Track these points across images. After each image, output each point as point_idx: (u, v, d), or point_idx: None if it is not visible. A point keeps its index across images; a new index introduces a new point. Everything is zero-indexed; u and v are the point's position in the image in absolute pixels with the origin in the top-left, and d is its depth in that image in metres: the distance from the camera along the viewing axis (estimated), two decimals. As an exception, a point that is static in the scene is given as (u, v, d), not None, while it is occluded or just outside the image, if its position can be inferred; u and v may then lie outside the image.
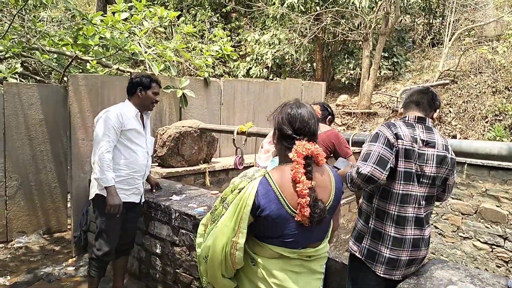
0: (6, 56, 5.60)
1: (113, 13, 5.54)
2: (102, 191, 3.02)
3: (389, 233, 2.09)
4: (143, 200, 3.38)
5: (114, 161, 3.03)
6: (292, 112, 1.73)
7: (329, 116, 3.41)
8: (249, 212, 1.64)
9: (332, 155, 3.21)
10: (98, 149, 2.96)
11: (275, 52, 11.21)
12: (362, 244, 2.18)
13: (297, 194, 1.63)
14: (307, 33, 11.02)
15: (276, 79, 8.83)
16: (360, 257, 2.17)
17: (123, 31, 5.32)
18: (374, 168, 1.98)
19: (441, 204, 6.35)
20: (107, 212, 2.97)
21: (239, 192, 1.68)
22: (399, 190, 2.08)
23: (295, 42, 11.11)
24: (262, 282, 1.72)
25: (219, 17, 13.61)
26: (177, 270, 3.33)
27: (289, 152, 1.67)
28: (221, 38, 8.13)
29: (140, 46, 5.33)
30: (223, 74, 11.76)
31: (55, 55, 5.78)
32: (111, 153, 2.98)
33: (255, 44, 11.88)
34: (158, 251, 3.51)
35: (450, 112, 9.23)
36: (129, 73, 5.40)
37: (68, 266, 4.16)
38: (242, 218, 1.64)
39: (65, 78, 5.31)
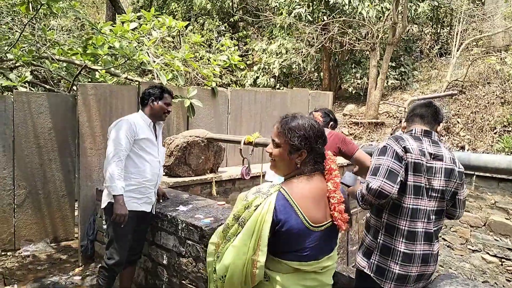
0: (16, 64, 5.67)
1: (122, 22, 5.60)
2: (112, 199, 3.04)
3: (399, 249, 2.07)
4: (154, 210, 3.39)
5: (126, 170, 3.06)
6: (318, 127, 1.81)
7: (331, 122, 3.44)
8: (269, 228, 1.63)
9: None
10: (111, 157, 2.98)
11: (282, 62, 11.24)
12: (371, 260, 2.15)
13: (335, 202, 1.72)
14: (314, 42, 11.05)
15: (283, 89, 8.84)
16: (369, 273, 2.14)
17: (132, 40, 5.37)
18: (384, 182, 1.96)
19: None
20: (113, 221, 2.98)
21: (255, 208, 1.66)
22: (409, 204, 2.07)
23: (302, 52, 11.13)
24: None
25: (227, 26, 13.70)
26: (183, 282, 3.31)
27: (319, 165, 1.78)
28: (229, 47, 8.17)
29: (148, 55, 5.38)
30: (230, 83, 11.80)
31: (65, 64, 5.84)
32: (123, 161, 3.01)
33: (262, 53, 11.92)
34: (164, 261, 3.50)
35: (458, 122, 9.17)
36: (137, 82, 5.44)
37: (75, 275, 4.16)
38: (261, 235, 1.63)
39: (74, 87, 5.36)
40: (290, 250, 1.70)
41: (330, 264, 1.83)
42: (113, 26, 5.41)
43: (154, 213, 3.36)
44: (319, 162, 1.79)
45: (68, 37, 7.03)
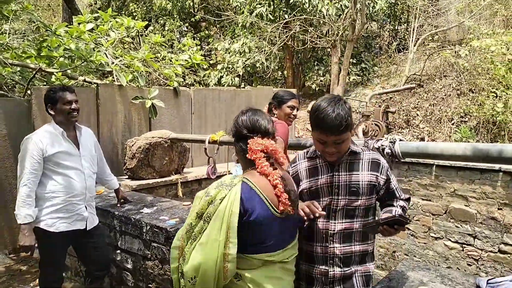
0: (-35, 70, 5.40)
1: (79, 24, 5.43)
2: (38, 223, 2.78)
3: None
4: (95, 223, 3.10)
5: (47, 189, 2.79)
6: (243, 116, 1.85)
7: (273, 104, 3.14)
8: (237, 219, 1.62)
9: None
10: (18, 182, 2.74)
11: (245, 61, 11.25)
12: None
13: (271, 185, 1.70)
14: (276, 41, 11.12)
15: (247, 87, 8.84)
16: None
17: (88, 42, 5.22)
18: None
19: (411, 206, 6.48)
20: (40, 244, 2.78)
21: (221, 202, 1.64)
22: None
23: (265, 50, 11.18)
24: None
25: (188, 27, 13.58)
26: (150, 285, 3.25)
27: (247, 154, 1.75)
28: (191, 47, 8.09)
29: (106, 56, 5.25)
30: (194, 83, 11.70)
31: (18, 68, 5.61)
32: (28, 186, 2.70)
33: (225, 52, 11.89)
34: (129, 266, 3.42)
35: (417, 115, 9.46)
36: (95, 84, 5.29)
37: (35, 286, 3.99)
38: (231, 227, 1.61)
39: (28, 91, 5.15)
40: (257, 241, 1.70)
41: (294, 252, 1.87)
42: (69, 28, 5.24)
43: (88, 228, 3.01)
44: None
45: (22, 40, 6.76)
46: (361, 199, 1.94)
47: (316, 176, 2.01)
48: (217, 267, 1.61)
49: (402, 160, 3.00)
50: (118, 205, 3.62)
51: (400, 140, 2.92)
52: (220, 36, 14.11)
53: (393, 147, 2.87)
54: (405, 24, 14.02)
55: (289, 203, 1.71)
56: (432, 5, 11.83)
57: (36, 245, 2.85)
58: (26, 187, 2.71)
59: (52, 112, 2.87)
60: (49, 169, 2.82)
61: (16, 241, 4.81)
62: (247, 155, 1.75)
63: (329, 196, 1.96)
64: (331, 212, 1.96)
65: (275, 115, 3.12)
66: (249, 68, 11.64)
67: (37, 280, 4.06)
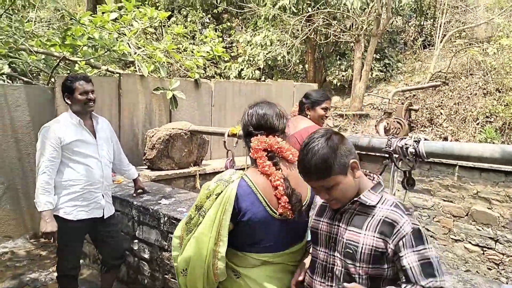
0: (-8, 57, 5.50)
1: (103, 13, 5.46)
2: (56, 211, 2.82)
3: None
4: (111, 212, 3.13)
5: (65, 177, 2.82)
6: (250, 111, 1.77)
7: (306, 104, 3.11)
8: (229, 218, 1.58)
9: None
10: (36, 170, 2.77)
11: (267, 54, 11.17)
12: None
13: (272, 186, 1.61)
14: (299, 34, 10.99)
15: (268, 81, 8.79)
16: None
17: (112, 31, 5.25)
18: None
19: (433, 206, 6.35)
20: (60, 231, 2.79)
21: (216, 197, 1.60)
22: None
23: (287, 43, 11.07)
24: None
25: (211, 18, 13.56)
26: (166, 276, 3.26)
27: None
28: (212, 39, 8.07)
29: (129, 46, 5.27)
30: (215, 75, 11.70)
31: (43, 56, 5.68)
32: (47, 174, 2.74)
33: (247, 45, 11.83)
34: (146, 256, 3.45)
35: (441, 114, 9.25)
36: (117, 74, 5.32)
37: (54, 272, 4.06)
38: (222, 225, 1.58)
39: (52, 79, 5.22)
40: (253, 241, 1.65)
41: (298, 256, 1.78)
42: (93, 17, 5.27)
43: (105, 217, 3.04)
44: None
45: (47, 28, 6.86)
46: (359, 266, 1.47)
47: (321, 217, 1.64)
48: (206, 263, 1.60)
49: (426, 160, 2.93)
50: (135, 195, 3.65)
51: (425, 139, 2.84)
52: (242, 28, 14.05)
53: (418, 146, 2.79)
54: (432, 20, 13.69)
55: (289, 207, 1.62)
56: (460, 1, 11.50)
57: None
58: (45, 174, 2.74)
59: (68, 102, 2.91)
60: (67, 157, 2.85)
61: (37, 226, 4.92)
62: (250, 155, 1.69)
63: (326, 249, 1.59)
64: (327, 272, 1.58)
65: (308, 116, 3.09)
66: (270, 61, 11.56)
67: (55, 266, 4.15)
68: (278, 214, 1.63)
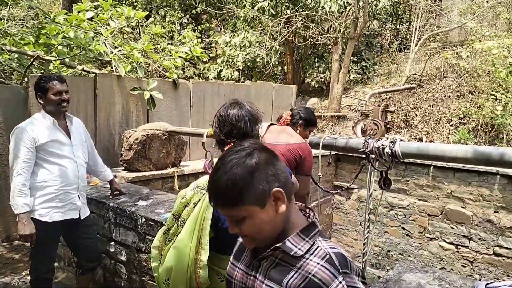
0: (-38, 55, 5.32)
1: (79, 12, 5.36)
2: (31, 213, 2.75)
3: None
4: (87, 213, 3.08)
5: (40, 179, 2.77)
6: (222, 114, 1.70)
7: (300, 121, 3.17)
8: (209, 226, 1.55)
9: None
10: (11, 172, 2.71)
11: (246, 55, 11.18)
12: None
13: None
14: (277, 36, 11.05)
15: (247, 82, 8.79)
16: None
17: (87, 30, 5.15)
18: None
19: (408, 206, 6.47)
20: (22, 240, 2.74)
21: (194, 206, 1.57)
22: None
23: (266, 45, 11.11)
24: None
25: (189, 19, 13.47)
26: (143, 278, 3.22)
27: None
28: (191, 39, 8.02)
29: (106, 46, 5.18)
30: (193, 76, 11.63)
31: (16, 55, 5.53)
32: (23, 176, 2.68)
33: (226, 46, 11.81)
34: (123, 258, 3.39)
35: (416, 115, 9.44)
36: (94, 74, 5.23)
37: (28, 275, 3.95)
38: (203, 233, 1.55)
39: (26, 79, 5.09)
40: (234, 245, 1.62)
41: None
42: (68, 15, 5.17)
43: (81, 218, 3.00)
44: None
45: (21, 27, 6.68)
46: None
47: (238, 261, 1.32)
48: (188, 272, 1.57)
49: (402, 161, 2.98)
50: (111, 196, 3.59)
51: (401, 140, 2.89)
52: (220, 29, 14.02)
53: (394, 147, 2.84)
54: (407, 24, 13.98)
55: None
56: (435, 5, 11.77)
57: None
58: (20, 176, 2.68)
59: (41, 102, 2.85)
60: (41, 158, 2.79)
61: (9, 229, 4.78)
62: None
63: None
64: None
65: (297, 131, 3.14)
66: (249, 63, 11.57)
67: (29, 269, 4.04)
68: None
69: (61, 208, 2.86)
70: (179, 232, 1.59)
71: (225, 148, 1.60)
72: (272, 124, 3.19)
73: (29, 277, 3.88)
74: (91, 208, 3.41)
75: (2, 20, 5.80)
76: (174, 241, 1.60)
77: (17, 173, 2.68)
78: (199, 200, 1.58)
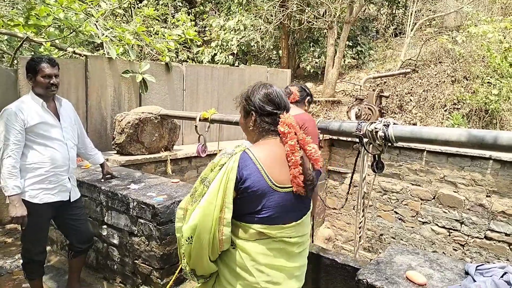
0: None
1: (69, -8, 5.25)
2: (21, 195, 2.73)
3: None
4: (77, 195, 3.08)
5: (30, 160, 2.75)
6: (268, 91, 1.80)
7: (308, 97, 3.30)
8: (233, 186, 1.62)
9: None
10: (0, 154, 2.67)
11: (240, 38, 11.06)
12: None
13: (291, 164, 1.69)
14: (272, 19, 10.93)
15: (241, 66, 8.72)
16: None
17: (78, 12, 5.05)
18: None
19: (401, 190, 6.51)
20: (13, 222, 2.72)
21: (220, 168, 1.65)
22: None
23: (260, 29, 10.99)
24: (241, 267, 1.70)
25: (183, 2, 13.28)
26: (136, 261, 3.22)
27: (272, 128, 1.76)
28: (185, 22, 7.91)
29: (97, 28, 5.09)
30: (187, 60, 11.51)
31: (6, 37, 5.43)
32: (12, 157, 2.66)
33: (220, 29, 11.68)
34: (115, 241, 3.38)
35: (410, 100, 9.43)
36: (85, 57, 5.15)
37: (20, 259, 3.94)
38: (227, 193, 1.62)
39: (15, 61, 5.00)
40: (252, 210, 1.68)
41: (300, 236, 1.78)
42: (58, -4, 5.06)
43: (72, 200, 3.00)
44: (273, 126, 1.78)
45: (12, 8, 6.54)
46: None
47: None
48: (212, 229, 1.63)
49: (395, 145, 2.97)
50: (103, 180, 3.56)
51: (394, 123, 2.87)
52: (215, 12, 13.85)
53: (387, 130, 2.82)
54: (403, 8, 13.87)
55: (302, 185, 1.69)
56: (431, -11, 11.68)
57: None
58: (10, 158, 2.65)
59: (31, 83, 2.82)
60: (31, 140, 2.76)
61: (1, 212, 4.76)
62: (271, 128, 1.76)
63: None
64: None
65: (304, 107, 3.27)
66: (243, 47, 11.46)
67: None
68: (277, 185, 1.68)
69: (51, 190, 2.84)
70: (205, 193, 1.65)
71: (282, 117, 1.75)
72: None
73: (21, 261, 3.88)
74: (82, 191, 3.39)
75: (-9, 1, 5.68)
76: (200, 201, 1.66)
77: (7, 155, 2.65)
78: (225, 163, 1.65)
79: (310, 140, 1.79)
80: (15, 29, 5.12)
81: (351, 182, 3.55)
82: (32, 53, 5.46)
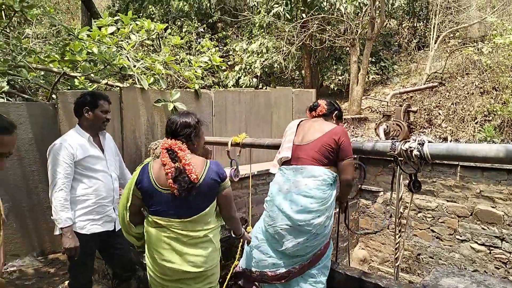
0: (-9, 75, 5.51)
1: (99, 27, 5.48)
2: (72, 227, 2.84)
3: None
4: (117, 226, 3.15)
5: (78, 193, 2.87)
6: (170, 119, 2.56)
7: (336, 111, 3.26)
8: (134, 185, 2.43)
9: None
10: (51, 188, 2.80)
11: (263, 61, 11.22)
12: None
13: (166, 173, 2.33)
14: (294, 40, 11.06)
15: (265, 88, 8.82)
16: None
17: (110, 45, 5.26)
18: None
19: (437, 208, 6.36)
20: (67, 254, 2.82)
21: (133, 174, 2.52)
22: None
23: (283, 50, 11.13)
24: (148, 245, 2.49)
25: (206, 28, 13.61)
26: (176, 288, 3.25)
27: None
28: (209, 48, 8.09)
29: (128, 59, 5.28)
30: (212, 84, 11.73)
31: (42, 72, 5.69)
32: (64, 191, 2.78)
33: (243, 53, 11.88)
34: (156, 269, 3.43)
35: (439, 114, 9.29)
36: (118, 88, 5.34)
37: (63, 288, 4.05)
38: (131, 189, 2.45)
39: (53, 96, 5.23)
40: (147, 204, 2.45)
41: (191, 231, 2.37)
42: (90, 31, 5.29)
43: (116, 229, 3.11)
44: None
45: (44, 44, 6.87)
46: None
47: None
48: (122, 210, 2.52)
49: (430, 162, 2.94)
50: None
51: (429, 141, 2.85)
52: (237, 36, 14.12)
53: (422, 149, 2.80)
54: (424, 21, 13.81)
55: (174, 187, 2.30)
56: (453, 1, 11.61)
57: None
58: (62, 191, 2.77)
59: (87, 115, 2.93)
60: (79, 173, 2.89)
61: (44, 244, 4.91)
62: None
63: None
64: None
65: (332, 121, 3.25)
66: (266, 69, 11.61)
67: (66, 282, 4.12)
68: (159, 186, 2.36)
69: (98, 220, 2.96)
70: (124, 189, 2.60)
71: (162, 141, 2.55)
72: (301, 120, 3.23)
73: (64, 290, 3.97)
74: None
75: (27, 38, 5.98)
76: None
77: (59, 188, 2.77)
78: (135, 171, 2.51)
79: (189, 157, 2.35)
80: (50, 65, 5.36)
81: (390, 200, 3.51)
82: (69, 87, 5.69)
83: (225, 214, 2.55)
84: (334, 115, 3.25)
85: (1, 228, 1.75)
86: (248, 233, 3.28)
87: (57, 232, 2.85)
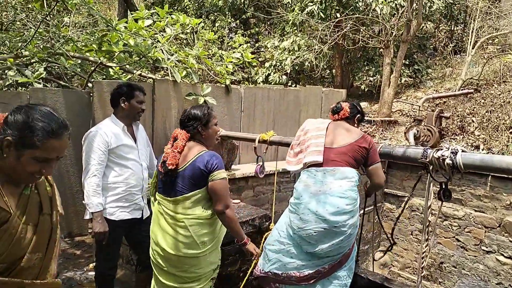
0: (31, 61, 5.70)
1: (136, 20, 5.59)
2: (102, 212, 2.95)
3: None
4: (148, 213, 3.27)
5: (109, 180, 2.97)
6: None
7: (358, 115, 3.24)
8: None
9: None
10: (85, 173, 2.90)
11: (294, 59, 11.18)
12: None
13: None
14: (327, 39, 10.97)
15: (295, 86, 8.79)
16: None
17: (146, 38, 5.36)
18: None
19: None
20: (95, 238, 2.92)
21: None
22: None
23: (314, 49, 11.06)
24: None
25: (238, 23, 13.65)
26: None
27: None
28: (241, 44, 8.13)
29: (163, 53, 5.37)
30: (242, 80, 11.78)
31: (79, 61, 5.85)
32: (97, 177, 2.89)
33: (274, 50, 11.87)
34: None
35: (473, 121, 9.05)
36: (151, 79, 5.44)
37: (89, 271, 4.18)
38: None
39: (89, 84, 5.38)
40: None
41: (173, 211, 2.60)
42: (127, 23, 5.41)
43: (144, 217, 3.23)
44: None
45: (81, 33, 7.06)
46: None
47: None
48: (152, 189, 2.93)
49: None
50: None
51: (463, 151, 2.79)
52: (269, 33, 14.11)
53: (455, 158, 2.74)
54: (462, 25, 13.43)
55: (160, 168, 2.66)
56: (494, 7, 11.24)
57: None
58: (95, 177, 2.88)
59: (123, 105, 3.04)
60: (111, 161, 2.99)
61: (71, 226, 5.07)
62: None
63: None
64: None
65: (354, 125, 3.24)
66: (297, 66, 11.56)
67: (90, 265, 4.27)
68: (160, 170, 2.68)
69: (127, 208, 3.06)
70: None
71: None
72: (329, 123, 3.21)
73: (90, 273, 4.12)
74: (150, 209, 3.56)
75: (65, 27, 6.17)
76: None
77: (92, 174, 2.88)
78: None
79: (180, 144, 2.62)
80: (87, 54, 5.51)
81: (404, 206, 3.47)
82: (104, 77, 5.84)
83: (214, 206, 2.59)
84: (356, 118, 3.23)
85: (58, 239, 1.71)
86: (270, 230, 3.29)
87: (87, 217, 2.96)
